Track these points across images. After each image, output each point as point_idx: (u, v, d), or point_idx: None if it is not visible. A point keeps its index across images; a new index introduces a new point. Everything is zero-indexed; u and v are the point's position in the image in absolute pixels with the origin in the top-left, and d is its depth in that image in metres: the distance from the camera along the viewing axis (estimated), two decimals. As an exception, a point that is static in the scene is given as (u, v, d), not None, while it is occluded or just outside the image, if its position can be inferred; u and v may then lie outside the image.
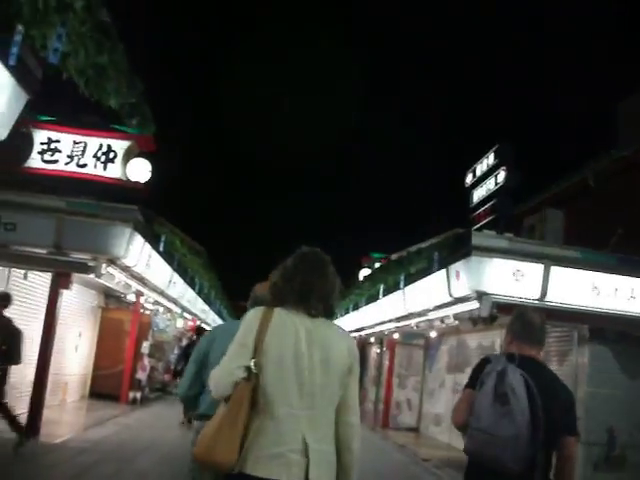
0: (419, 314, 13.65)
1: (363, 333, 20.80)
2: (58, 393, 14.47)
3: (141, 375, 16.70)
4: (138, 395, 16.45)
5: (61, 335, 14.03)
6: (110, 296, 17.43)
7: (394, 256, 12.67)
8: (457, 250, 10.50)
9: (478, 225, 12.91)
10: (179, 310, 20.48)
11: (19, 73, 5.45)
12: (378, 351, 22.26)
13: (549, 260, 9.91)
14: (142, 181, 11.01)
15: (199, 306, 23.19)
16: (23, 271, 10.80)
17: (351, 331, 21.17)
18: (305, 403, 2.58)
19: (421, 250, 11.92)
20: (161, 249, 12.40)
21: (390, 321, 16.60)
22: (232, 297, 34.74)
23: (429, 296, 12.33)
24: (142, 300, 15.99)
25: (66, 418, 13.02)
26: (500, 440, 3.16)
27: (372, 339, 21.29)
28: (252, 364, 2.56)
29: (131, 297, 17.15)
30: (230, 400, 2.54)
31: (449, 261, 10.68)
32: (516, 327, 3.60)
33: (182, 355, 15.13)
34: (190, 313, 22.79)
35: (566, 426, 3.38)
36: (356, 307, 19.20)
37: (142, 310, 17.42)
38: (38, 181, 10.92)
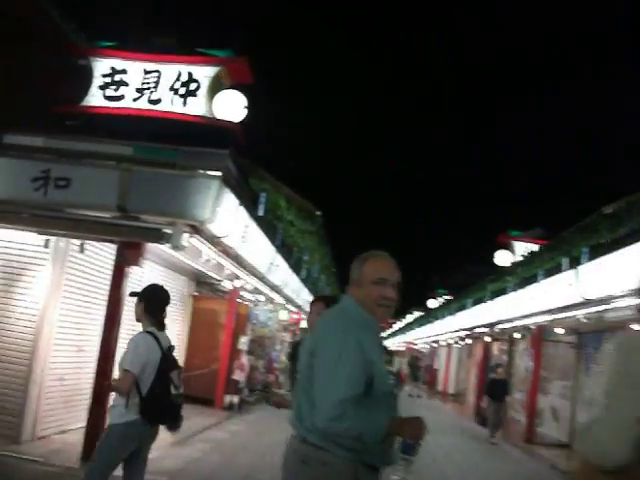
0: (601, 301, 10.21)
1: (498, 327, 17.41)
2: (139, 398, 11.97)
3: (239, 376, 14.03)
4: (235, 399, 13.82)
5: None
6: (202, 283, 14.86)
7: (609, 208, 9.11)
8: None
9: None
10: (282, 300, 17.70)
11: None
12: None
13: None
14: (235, 120, 8.17)
15: (304, 297, 20.29)
16: (79, 242, 8.19)
17: (483, 325, 17.88)
18: None
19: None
20: (261, 213, 9.44)
21: (543, 313, 13.18)
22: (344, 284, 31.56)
23: (627, 274, 8.96)
24: (238, 286, 13.27)
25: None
26: None
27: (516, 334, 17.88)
28: None
29: (226, 284, 14.59)
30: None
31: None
32: None
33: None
34: (294, 304, 20.01)
35: None
36: (499, 294, 15.81)
37: (239, 300, 14.78)
38: (98, 123, 8.29)
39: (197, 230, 8.02)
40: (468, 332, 21.60)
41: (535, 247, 16.41)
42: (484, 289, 15.76)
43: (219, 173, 7.61)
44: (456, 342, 28.14)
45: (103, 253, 8.83)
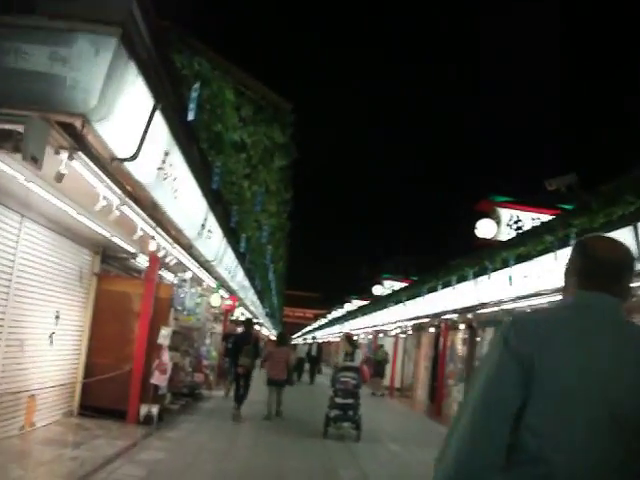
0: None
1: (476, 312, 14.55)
2: (16, 416, 8.44)
3: (159, 379, 10.54)
4: (154, 410, 10.39)
5: (21, 318, 8.14)
6: (110, 257, 11.28)
7: None
8: None
9: None
10: (214, 282, 14.26)
11: None
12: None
13: None
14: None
15: (238, 279, 16.83)
16: None
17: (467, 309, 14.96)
18: None
19: None
20: (191, 117, 5.82)
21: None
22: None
23: None
24: (160, 255, 9.78)
25: (11, 474, 6.78)
26: None
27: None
28: None
29: (142, 260, 11.16)
30: None
31: None
32: None
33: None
34: (227, 288, 16.58)
35: None
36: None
37: (159, 279, 11.38)
38: None
39: (78, 139, 4.56)
40: (433, 318, 18.74)
41: (525, 215, 13.58)
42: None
43: (116, 28, 4.19)
44: (405, 332, 25.35)
45: None
